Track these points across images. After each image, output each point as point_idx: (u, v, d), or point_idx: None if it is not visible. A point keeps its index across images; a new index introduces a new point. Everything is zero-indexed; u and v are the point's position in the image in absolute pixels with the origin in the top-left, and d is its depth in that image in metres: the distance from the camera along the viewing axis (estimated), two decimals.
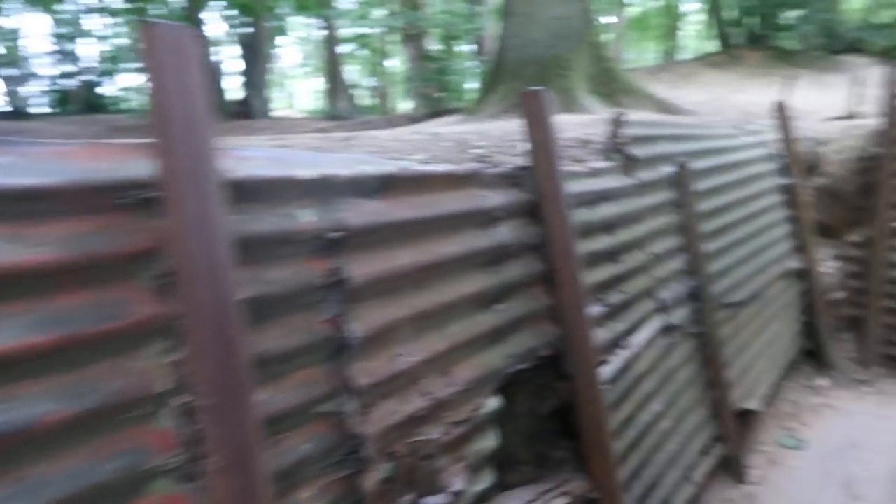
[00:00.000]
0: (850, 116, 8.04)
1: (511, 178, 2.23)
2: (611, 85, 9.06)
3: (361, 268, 1.47)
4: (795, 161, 5.00)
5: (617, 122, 3.09)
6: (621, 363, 2.75)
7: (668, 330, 3.20)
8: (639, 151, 3.15)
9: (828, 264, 5.33)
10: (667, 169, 3.39)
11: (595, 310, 2.60)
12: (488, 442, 2.02)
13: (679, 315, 3.31)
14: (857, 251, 5.28)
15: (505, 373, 2.04)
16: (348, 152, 3.16)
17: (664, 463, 3.09)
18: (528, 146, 2.22)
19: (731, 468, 3.64)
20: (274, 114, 18.77)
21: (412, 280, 1.64)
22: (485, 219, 2.02)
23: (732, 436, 3.64)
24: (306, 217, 1.40)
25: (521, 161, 2.37)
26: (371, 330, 1.51)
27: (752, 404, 3.89)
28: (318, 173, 1.43)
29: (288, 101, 32.53)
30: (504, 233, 2.09)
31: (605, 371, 2.60)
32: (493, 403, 1.98)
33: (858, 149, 5.38)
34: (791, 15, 14.41)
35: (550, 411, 2.59)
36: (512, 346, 2.10)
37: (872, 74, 11.88)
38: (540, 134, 2.16)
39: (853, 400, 4.58)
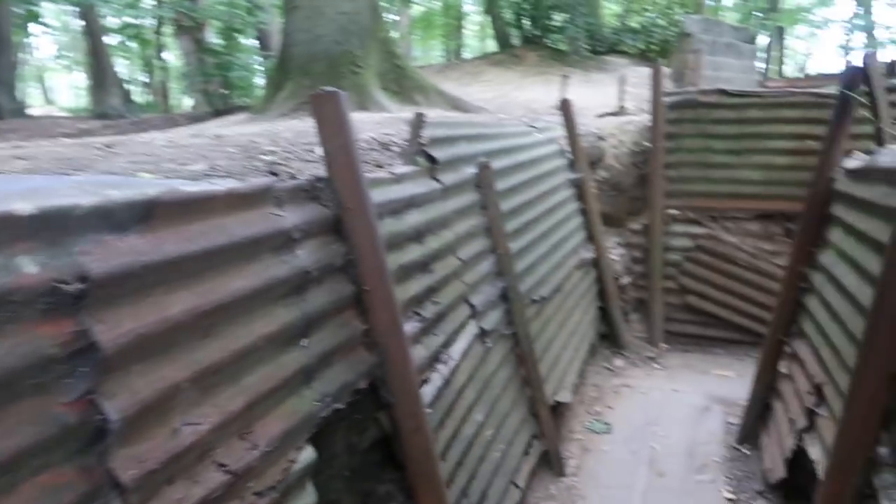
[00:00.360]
0: (619, 113, 9.23)
1: (309, 192, 2.05)
2: (402, 82, 9.24)
3: (117, 326, 1.19)
4: (581, 156, 5.56)
5: (417, 124, 3.08)
6: (442, 380, 2.74)
7: (482, 335, 3.29)
8: (440, 153, 3.18)
9: (614, 252, 6.04)
10: (469, 170, 3.49)
11: (411, 327, 2.55)
12: (305, 500, 1.84)
13: (492, 318, 3.44)
14: (638, 238, 6.07)
15: (319, 417, 1.88)
16: (107, 163, 2.70)
17: (489, 473, 3.18)
18: (325, 154, 2.07)
19: (551, 463, 3.90)
20: (30, 112, 15.90)
21: (191, 330, 1.39)
22: (281, 242, 1.82)
23: (549, 431, 3.91)
24: (29, 267, 1.08)
25: (318, 170, 2.21)
26: (139, 403, 1.24)
27: (564, 396, 4.23)
28: (42, 206, 1.12)
29: (46, 98, 28.17)
30: (304, 256, 1.92)
31: (427, 392, 2.56)
32: (307, 455, 1.79)
33: (633, 143, 6.18)
34: (559, 18, 16.14)
35: (372, 444, 2.49)
36: (324, 385, 1.93)
37: (634, 73, 13.82)
38: (338, 139, 2.02)
39: (646, 378, 5.25)
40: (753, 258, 5.55)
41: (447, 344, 2.88)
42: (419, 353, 2.57)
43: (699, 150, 5.67)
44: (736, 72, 18.39)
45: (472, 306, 3.20)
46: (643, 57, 16.14)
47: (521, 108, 11.21)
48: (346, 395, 2.06)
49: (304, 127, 4.12)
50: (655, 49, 15.78)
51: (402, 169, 2.85)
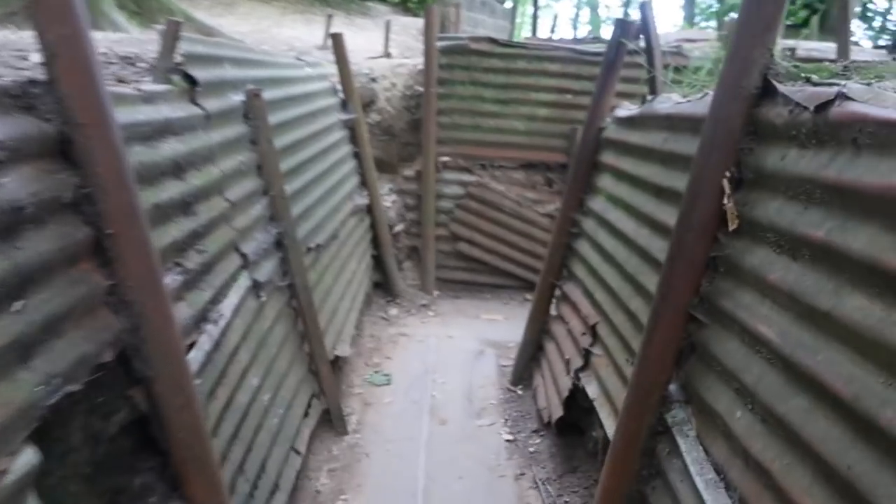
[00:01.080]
0: (385, 57, 9.17)
1: (18, 98, 1.51)
2: (144, 2, 8.00)
3: None
4: (354, 96, 5.33)
5: (172, 34, 2.54)
6: (211, 342, 2.36)
7: (256, 287, 2.95)
8: (202, 74, 2.69)
9: (388, 199, 6.00)
10: (236, 97, 3.04)
11: (172, 280, 2.12)
12: None
13: (266, 268, 3.10)
14: (411, 185, 6.10)
15: (44, 406, 1.42)
16: None
17: (268, 443, 2.90)
18: (44, 49, 1.53)
19: (333, 422, 3.75)
20: None
21: None
22: None
23: (330, 388, 3.73)
24: None
25: (35, 74, 1.65)
26: None
27: (344, 350, 4.08)
28: None
29: None
30: (14, 186, 1.41)
31: (194, 358, 2.18)
32: (26, 460, 1.35)
33: (405, 87, 6.12)
34: None
35: (122, 429, 2.04)
36: (51, 363, 1.47)
37: (396, 22, 13.83)
38: (62, 27, 1.50)
39: (422, 325, 5.36)
40: (518, 206, 5.96)
41: (216, 299, 2.49)
42: (183, 311, 2.16)
43: (470, 98, 5.83)
44: (490, 29, 19.61)
45: (243, 255, 2.83)
46: (403, 7, 16.32)
47: (283, 45, 10.52)
48: (85, 372, 1.61)
49: (16, 38, 3.22)
50: (415, 0, 16.06)
51: (153, 87, 2.33)
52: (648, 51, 3.31)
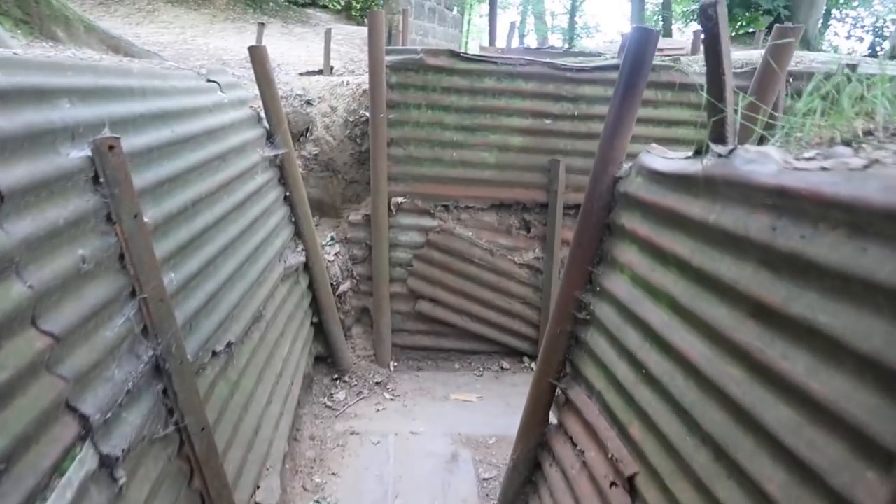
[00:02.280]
0: (322, 72, 8.19)
1: None
2: (34, 9, 6.79)
3: None
4: (282, 125, 4.33)
5: None
6: None
7: (108, 465, 1.90)
8: None
9: (330, 250, 4.99)
10: (75, 154, 2.01)
11: None
12: None
13: (130, 424, 2.05)
14: (359, 232, 5.11)
15: None
16: None
17: None
18: None
19: None
20: None
21: None
22: None
23: None
24: None
25: None
26: None
27: (269, 494, 3.03)
28: None
29: None
30: None
31: None
32: None
33: (347, 111, 5.14)
34: None
35: None
36: None
37: (338, 31, 12.89)
38: None
39: (376, 415, 4.33)
40: (491, 255, 5.04)
41: None
42: None
43: (428, 125, 4.90)
44: (440, 38, 18.81)
45: (82, 418, 1.79)
46: (346, 14, 15.43)
47: (209, 58, 9.48)
48: None
49: None
50: (359, 7, 15.19)
51: None
52: (713, 71, 2.35)
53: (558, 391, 3.05)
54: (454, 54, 4.78)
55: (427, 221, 5.03)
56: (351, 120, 5.08)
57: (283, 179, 4.36)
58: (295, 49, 11.49)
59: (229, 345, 2.96)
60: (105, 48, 7.30)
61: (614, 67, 4.75)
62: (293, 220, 4.48)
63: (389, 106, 4.81)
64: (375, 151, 4.78)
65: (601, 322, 2.67)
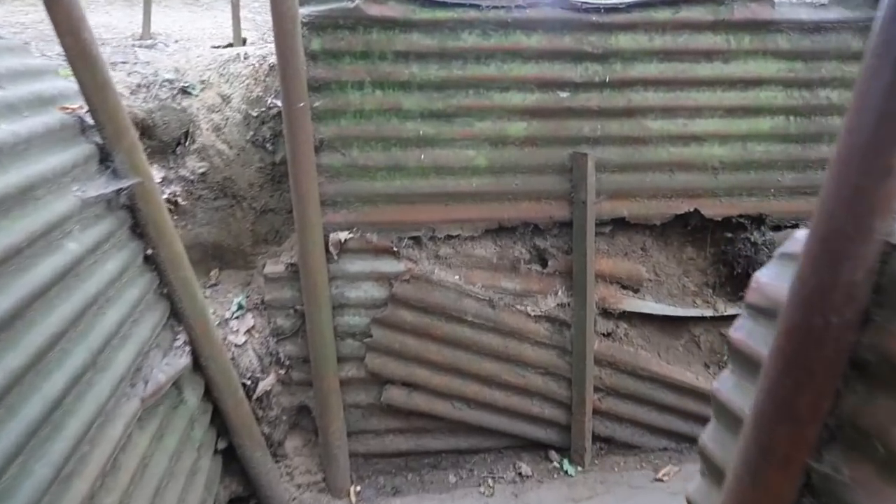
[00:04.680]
0: (232, 46, 6.58)
1: None
2: None
3: None
4: (126, 134, 2.66)
5: None
6: None
7: None
8: None
9: (238, 326, 3.36)
10: None
11: None
12: None
13: None
14: (282, 290, 3.48)
15: None
16: None
17: None
18: None
19: None
20: None
21: None
22: None
23: None
24: None
25: None
26: None
27: None
28: None
29: None
30: None
31: None
32: None
33: (248, 100, 3.49)
34: None
35: None
36: None
37: None
38: None
39: None
40: (490, 307, 3.50)
41: None
42: None
43: (378, 114, 3.29)
44: None
45: None
46: None
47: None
48: None
49: None
50: None
51: None
52: None
53: None
54: None
55: (389, 265, 3.43)
56: (254, 114, 3.42)
57: (139, 229, 2.72)
58: (200, 20, 9.96)
59: None
60: None
61: (668, 1, 3.22)
62: (163, 291, 2.84)
63: (313, 88, 3.19)
64: (296, 162, 3.14)
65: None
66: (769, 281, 1.48)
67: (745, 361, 1.50)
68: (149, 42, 7.07)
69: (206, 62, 3.68)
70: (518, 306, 3.51)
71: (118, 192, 2.57)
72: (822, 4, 3.36)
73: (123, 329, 2.43)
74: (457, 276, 3.47)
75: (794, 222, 3.61)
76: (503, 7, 3.15)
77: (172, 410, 2.72)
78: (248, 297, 3.42)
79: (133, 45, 6.61)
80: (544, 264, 3.56)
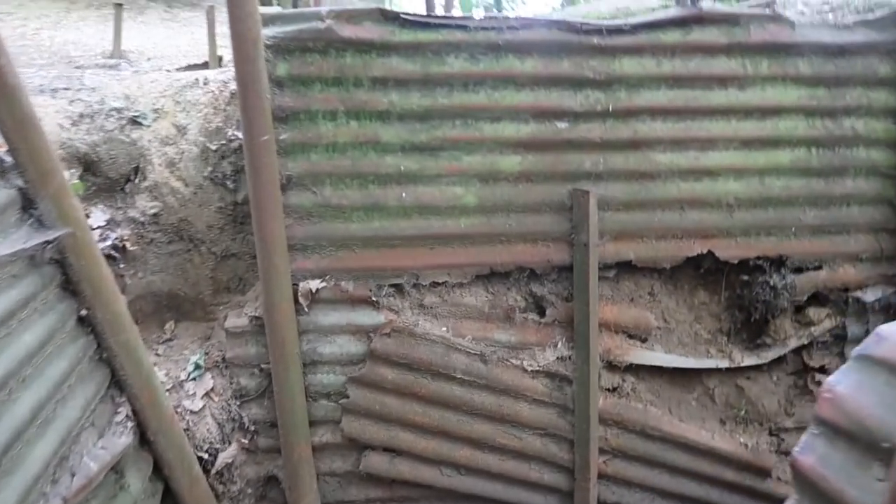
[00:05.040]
0: (208, 65, 6.29)
1: None
2: None
3: None
4: (53, 176, 2.30)
5: None
6: None
7: None
8: None
9: (195, 390, 2.97)
10: None
11: None
12: None
13: None
14: (247, 345, 3.10)
15: None
16: None
17: None
18: None
19: None
20: None
21: None
22: None
23: None
24: None
25: None
26: None
27: None
28: None
29: None
30: None
31: None
32: None
33: (206, 132, 3.14)
34: None
35: None
36: None
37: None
38: None
39: None
40: (482, 362, 3.15)
41: None
42: None
43: (352, 147, 2.94)
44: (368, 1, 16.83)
45: None
46: None
47: (51, 55, 7.51)
48: None
49: None
50: None
51: None
52: None
53: None
54: (389, 16, 2.84)
55: (367, 316, 3.07)
56: (213, 148, 3.06)
57: (71, 286, 2.35)
58: (177, 37, 9.73)
59: None
60: None
61: (677, 22, 2.91)
62: (103, 357, 2.47)
63: (280, 119, 2.84)
64: (260, 202, 2.79)
65: None
66: (849, 393, 1.14)
67: (817, 496, 1.16)
68: (113, 62, 6.75)
69: (161, 88, 3.33)
70: (513, 360, 3.15)
71: (43, 245, 2.21)
72: (846, 26, 3.07)
73: (44, 413, 2.05)
74: (444, 328, 3.11)
75: (816, 264, 3.30)
76: (493, 28, 2.83)
77: (110, 501, 2.34)
78: (206, 354, 3.04)
79: (97, 65, 6.30)
80: (542, 313, 3.21)
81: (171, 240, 3.07)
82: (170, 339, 3.11)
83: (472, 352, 3.12)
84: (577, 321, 3.18)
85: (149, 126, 3.13)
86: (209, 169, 3.05)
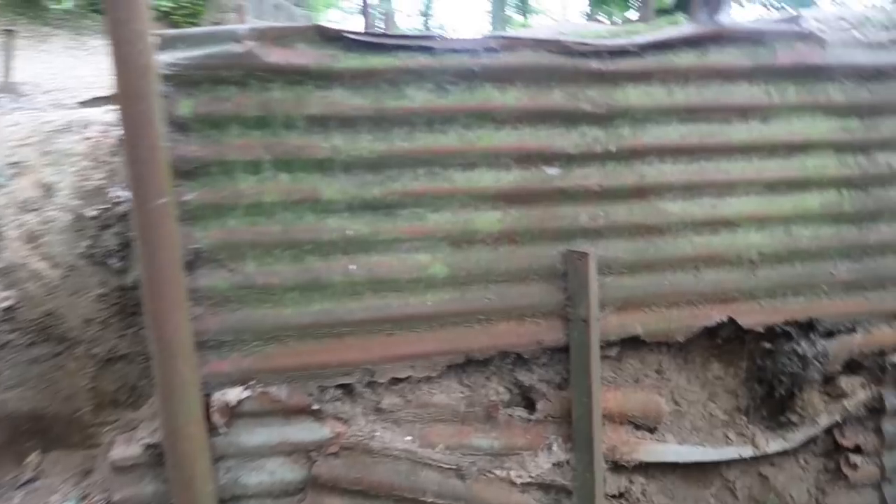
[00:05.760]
0: (110, 98, 5.56)
1: None
2: None
3: None
4: None
5: None
6: None
7: None
8: None
9: None
10: None
11: None
12: None
13: None
14: (142, 485, 2.33)
15: None
16: None
17: None
18: None
19: None
20: None
21: None
22: None
23: None
24: None
25: None
26: None
27: None
28: None
29: None
30: None
31: None
32: None
33: (84, 191, 2.39)
34: None
35: None
36: None
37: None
38: None
39: None
40: (459, 478, 2.49)
41: None
42: None
43: (282, 207, 2.27)
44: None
45: None
46: (166, 21, 13.07)
47: None
48: None
49: None
50: (186, 9, 12.99)
51: None
52: None
53: None
54: (329, 36, 2.19)
55: (306, 431, 2.35)
56: (92, 215, 2.32)
57: None
58: (82, 67, 8.94)
59: None
60: None
61: (692, 41, 2.38)
62: None
63: (182, 174, 2.13)
64: (155, 287, 2.06)
65: None
66: None
67: None
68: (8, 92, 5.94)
69: (24, 134, 2.55)
70: (497, 472, 2.49)
71: None
72: (881, 44, 2.62)
73: None
74: (409, 438, 2.43)
75: (849, 326, 2.81)
76: (466, 50, 2.22)
77: None
78: (85, 497, 2.25)
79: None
80: (531, 408, 2.58)
81: (33, 341, 2.28)
82: (32, 479, 2.30)
83: (446, 466, 2.45)
84: (575, 415, 2.57)
85: (4, 185, 2.35)
86: (86, 243, 2.29)
